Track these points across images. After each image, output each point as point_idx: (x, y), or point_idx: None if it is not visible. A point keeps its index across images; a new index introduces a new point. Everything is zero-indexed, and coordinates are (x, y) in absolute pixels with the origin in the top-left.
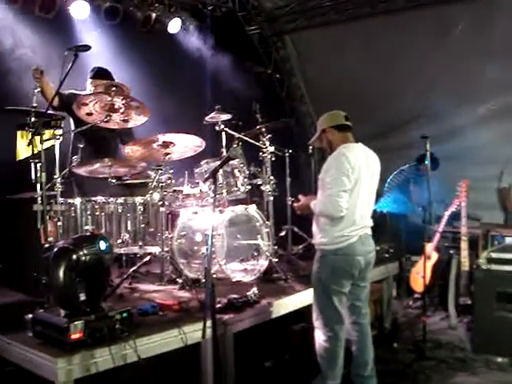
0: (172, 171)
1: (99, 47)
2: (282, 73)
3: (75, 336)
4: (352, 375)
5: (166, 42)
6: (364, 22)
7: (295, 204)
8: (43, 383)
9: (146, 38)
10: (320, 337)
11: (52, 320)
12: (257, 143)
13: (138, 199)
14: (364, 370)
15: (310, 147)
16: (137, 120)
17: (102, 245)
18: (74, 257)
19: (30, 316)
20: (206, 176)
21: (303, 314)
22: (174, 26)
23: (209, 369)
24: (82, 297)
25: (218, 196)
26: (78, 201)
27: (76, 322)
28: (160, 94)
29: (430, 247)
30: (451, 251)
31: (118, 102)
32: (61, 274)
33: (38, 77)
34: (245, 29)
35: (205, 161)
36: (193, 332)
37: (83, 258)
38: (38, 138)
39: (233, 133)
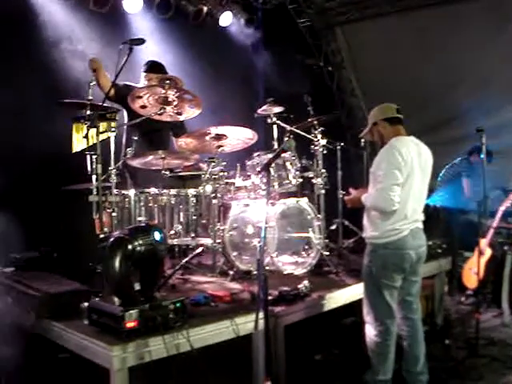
0: (224, 163)
1: (151, 41)
2: (332, 65)
3: (130, 325)
4: (403, 371)
5: (217, 35)
6: (417, 13)
7: (346, 197)
8: (96, 370)
9: (197, 31)
10: (371, 331)
11: (107, 309)
12: (308, 136)
13: (191, 191)
14: (415, 365)
15: (362, 140)
16: (190, 113)
17: (157, 235)
18: (130, 247)
19: (86, 304)
20: (259, 168)
21: (354, 308)
22: (225, 19)
23: (260, 360)
24: (137, 286)
25: (267, 189)
26: (132, 192)
27: (131, 311)
28: (210, 87)
29: (483, 243)
30: (505, 247)
31: (172, 94)
32: (117, 263)
33: (95, 68)
34: (295, 21)
35: (257, 153)
36: (244, 323)
37: (138, 248)
38: (93, 131)
39: (285, 125)
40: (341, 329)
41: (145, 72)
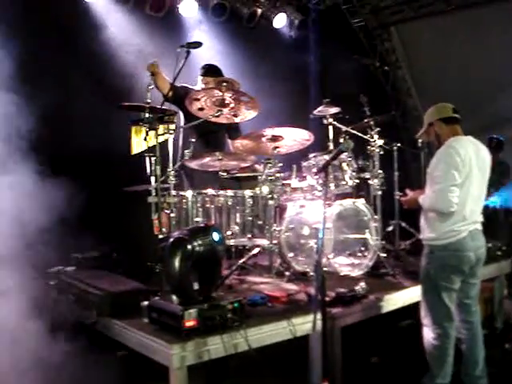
0: (281, 165)
1: (207, 44)
2: (387, 65)
3: (189, 324)
4: (462, 374)
5: (271, 37)
6: (473, 11)
7: (403, 198)
8: (153, 368)
9: (251, 33)
10: (429, 334)
11: (167, 307)
12: (365, 136)
13: (248, 192)
14: (474, 369)
15: (419, 141)
16: (246, 114)
17: (216, 236)
18: (189, 247)
19: (146, 303)
20: (316, 169)
21: (411, 310)
22: (279, 21)
23: (317, 362)
24: (196, 286)
25: (324, 190)
26: (189, 193)
27: (190, 310)
28: (265, 89)
29: None
30: None
31: (229, 96)
32: (176, 263)
33: (153, 70)
34: (349, 21)
35: (313, 154)
36: (302, 324)
37: (197, 248)
38: (152, 133)
39: (341, 126)
40: (397, 331)
41: (202, 75)
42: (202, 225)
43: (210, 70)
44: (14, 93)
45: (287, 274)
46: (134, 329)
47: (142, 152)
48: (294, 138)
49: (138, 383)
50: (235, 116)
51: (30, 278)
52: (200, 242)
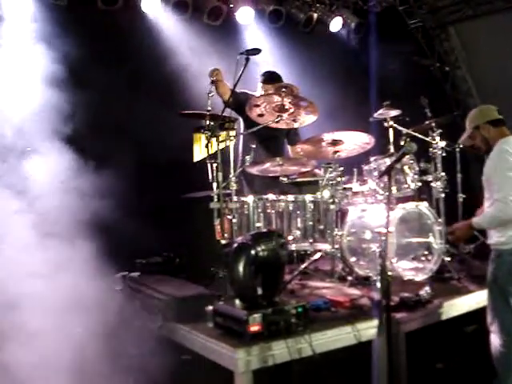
0: (341, 169)
1: (264, 50)
2: (446, 65)
3: (254, 328)
4: None
5: (327, 41)
6: None
7: (450, 236)
8: (217, 373)
9: (308, 38)
10: (496, 341)
11: (232, 312)
12: (426, 139)
13: (308, 197)
14: None
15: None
16: (306, 119)
17: (278, 241)
18: (253, 252)
19: (211, 308)
20: (379, 172)
21: (477, 315)
22: (336, 24)
23: (381, 367)
24: (259, 291)
25: (388, 193)
26: (250, 199)
27: (255, 315)
28: (323, 93)
29: None
30: None
31: (288, 102)
32: (241, 268)
33: (215, 77)
34: (406, 22)
35: (373, 158)
36: (366, 329)
37: (261, 253)
38: (213, 140)
39: (402, 129)
40: (463, 336)
41: (262, 83)
42: (264, 230)
43: (270, 78)
44: (77, 100)
45: (349, 278)
46: (199, 333)
47: (203, 159)
48: (355, 141)
49: None
50: (295, 121)
51: (97, 283)
52: (263, 247)
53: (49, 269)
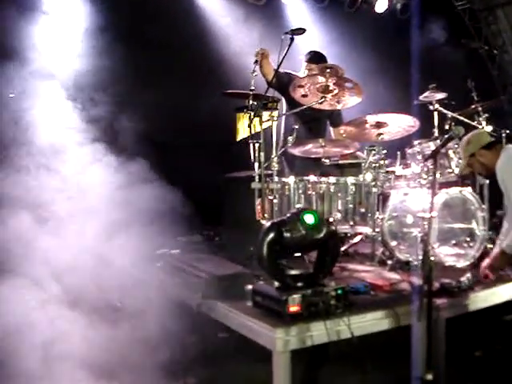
0: (385, 152)
1: (308, 30)
2: (493, 49)
3: (293, 309)
4: None
5: (372, 21)
6: None
7: (482, 274)
8: (253, 351)
9: (352, 18)
10: None
11: (271, 292)
12: (472, 123)
13: (350, 179)
14: None
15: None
16: (350, 101)
17: (309, 219)
18: (278, 232)
19: (250, 287)
20: (424, 156)
21: None
22: (381, 4)
23: (420, 352)
24: (293, 271)
25: (430, 178)
26: (291, 180)
27: (294, 296)
28: (366, 74)
29: None
30: None
31: (332, 83)
32: (265, 247)
33: (261, 55)
34: (453, 4)
35: (417, 141)
36: (405, 314)
37: (287, 233)
38: (256, 120)
39: (447, 112)
40: (502, 325)
41: (306, 62)
42: (294, 210)
43: (315, 57)
44: (119, 81)
45: (389, 262)
46: (238, 311)
47: (246, 138)
48: (399, 124)
49: (240, 365)
50: (338, 102)
51: (139, 259)
52: (289, 227)
53: (94, 244)
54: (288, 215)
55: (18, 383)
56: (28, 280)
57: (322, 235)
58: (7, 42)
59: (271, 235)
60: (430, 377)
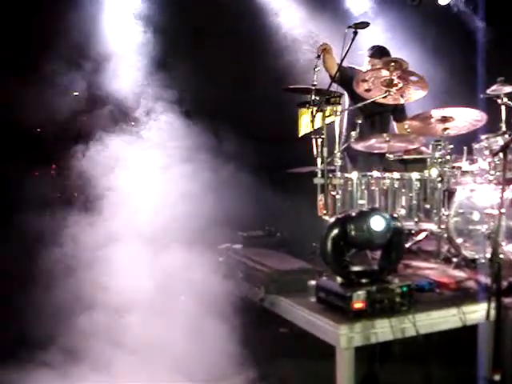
0: (451, 147)
1: (372, 23)
2: None
3: (358, 305)
4: None
5: (436, 14)
6: None
7: None
8: (315, 347)
9: (415, 11)
10: None
11: (335, 288)
12: None
13: (415, 175)
14: None
15: None
16: (415, 94)
17: (377, 225)
18: (343, 228)
19: (314, 282)
20: (492, 151)
21: None
22: None
23: (487, 353)
24: (357, 268)
25: (498, 173)
26: (354, 175)
27: (359, 292)
28: (429, 68)
29: None
30: None
31: (397, 77)
32: (329, 243)
33: (324, 50)
34: None
35: (485, 136)
36: (472, 313)
37: (352, 232)
38: (319, 115)
39: None
40: None
41: (369, 57)
42: (365, 209)
43: (378, 52)
44: (184, 76)
45: (455, 260)
46: (301, 307)
47: (308, 134)
48: (465, 118)
49: (301, 360)
50: (402, 96)
51: (203, 254)
52: (354, 227)
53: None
54: (355, 213)
55: None
56: None
57: (386, 241)
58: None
59: (336, 230)
60: (497, 377)
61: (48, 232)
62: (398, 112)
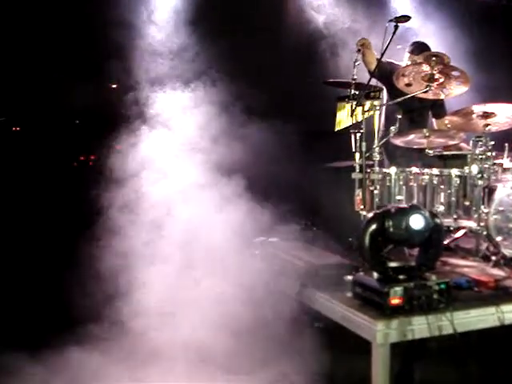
0: (492, 143)
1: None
2: None
3: (395, 301)
4: None
5: (478, 8)
6: None
7: None
8: (349, 343)
9: (458, 5)
10: None
11: (372, 283)
12: None
13: (454, 171)
14: None
15: None
16: (456, 89)
17: (416, 223)
18: (382, 224)
19: (350, 277)
20: None
21: None
22: None
23: None
24: (392, 264)
25: None
26: (393, 170)
27: (396, 288)
28: (471, 63)
29: None
30: None
31: (438, 71)
32: (367, 238)
33: (363, 45)
34: None
35: None
36: (511, 312)
37: (390, 228)
38: (358, 109)
39: None
40: None
41: (410, 53)
42: (405, 205)
43: (419, 48)
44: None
45: (494, 258)
46: (338, 302)
47: (347, 128)
48: (507, 114)
49: (336, 355)
50: (443, 91)
51: (239, 246)
52: (392, 223)
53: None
54: (394, 209)
55: None
56: None
57: (424, 239)
58: None
59: (374, 225)
60: None
61: None
62: (437, 107)
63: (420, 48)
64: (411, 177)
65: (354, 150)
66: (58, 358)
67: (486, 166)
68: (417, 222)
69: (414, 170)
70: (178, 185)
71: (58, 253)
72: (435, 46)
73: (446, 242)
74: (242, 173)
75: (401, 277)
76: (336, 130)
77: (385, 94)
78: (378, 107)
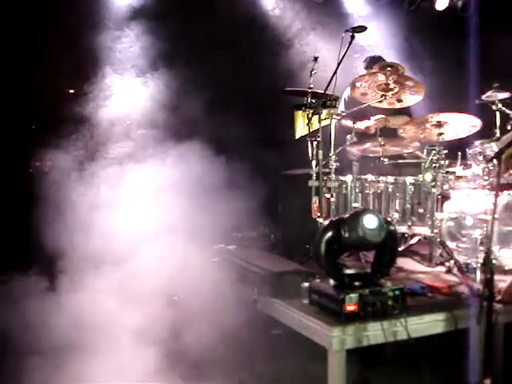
0: (445, 152)
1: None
2: None
3: (350, 308)
4: None
5: (432, 20)
6: None
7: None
8: (305, 349)
9: (412, 16)
10: None
11: (328, 290)
12: None
13: (409, 179)
14: None
15: None
16: (410, 99)
17: (370, 223)
18: (337, 231)
19: (307, 285)
20: (485, 157)
21: None
22: (441, 3)
23: (477, 356)
24: (347, 270)
25: (491, 179)
26: (349, 178)
27: (351, 295)
28: (424, 73)
29: None
30: None
31: (393, 81)
32: (323, 245)
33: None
34: None
35: (479, 141)
36: (463, 317)
37: (346, 233)
38: (315, 118)
39: (510, 112)
40: None
41: (365, 69)
42: (358, 209)
43: (371, 62)
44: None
45: (447, 264)
46: (294, 309)
47: (304, 136)
48: (460, 124)
49: (293, 362)
50: (399, 101)
51: (197, 253)
52: (347, 228)
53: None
54: (348, 214)
55: None
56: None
57: (380, 239)
58: None
59: (330, 233)
60: (488, 382)
61: None
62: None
63: (372, 61)
64: (367, 184)
65: (310, 157)
66: None
67: (440, 174)
68: (370, 221)
69: (370, 177)
70: (134, 189)
71: None
72: (388, 56)
73: (400, 249)
74: (199, 180)
75: (356, 283)
76: (296, 138)
77: (342, 103)
78: (334, 116)
